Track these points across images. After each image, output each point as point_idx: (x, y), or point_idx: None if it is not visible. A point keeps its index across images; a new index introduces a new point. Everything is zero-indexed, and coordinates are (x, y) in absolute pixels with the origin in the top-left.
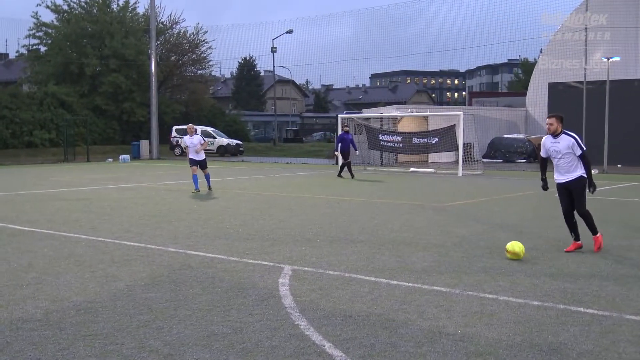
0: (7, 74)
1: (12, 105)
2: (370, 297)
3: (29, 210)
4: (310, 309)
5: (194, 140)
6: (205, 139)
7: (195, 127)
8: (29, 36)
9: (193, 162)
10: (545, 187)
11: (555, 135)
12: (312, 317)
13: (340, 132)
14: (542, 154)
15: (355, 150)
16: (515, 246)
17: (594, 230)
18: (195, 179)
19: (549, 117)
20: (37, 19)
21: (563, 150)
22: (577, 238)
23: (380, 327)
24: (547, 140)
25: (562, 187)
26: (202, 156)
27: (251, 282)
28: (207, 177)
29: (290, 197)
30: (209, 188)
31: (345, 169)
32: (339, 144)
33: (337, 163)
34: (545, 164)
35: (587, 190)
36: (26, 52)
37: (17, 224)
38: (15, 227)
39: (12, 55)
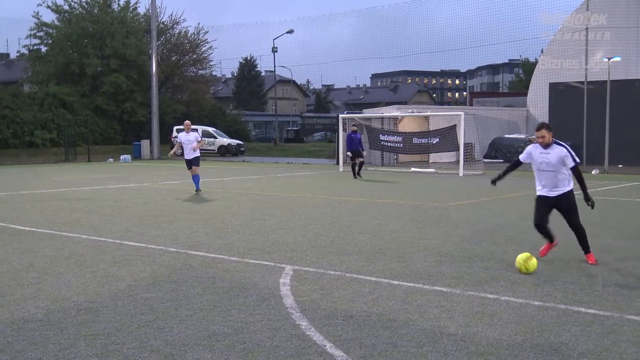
0: (8, 74)
1: (13, 105)
2: (371, 297)
3: (30, 210)
4: (311, 309)
5: (189, 137)
6: (203, 138)
7: (196, 126)
8: (30, 36)
9: (188, 164)
10: (495, 181)
11: (546, 145)
12: (313, 317)
13: (342, 131)
14: (523, 159)
15: (362, 150)
16: (529, 265)
17: (586, 248)
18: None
19: (538, 128)
20: (38, 19)
21: (554, 162)
22: (551, 239)
23: (381, 327)
24: (535, 150)
25: (548, 201)
26: (195, 154)
27: (252, 282)
28: (196, 178)
29: (291, 197)
30: (196, 190)
31: (350, 166)
32: (348, 144)
33: (344, 162)
34: (515, 168)
35: (587, 205)
36: (27, 52)
37: (18, 223)
38: (16, 227)
39: (13, 55)
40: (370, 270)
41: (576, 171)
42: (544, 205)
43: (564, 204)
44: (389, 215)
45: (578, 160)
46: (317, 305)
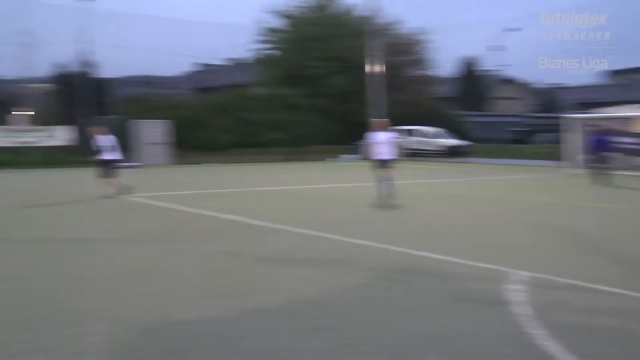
0: (238, 77)
1: (246, 107)
2: (608, 308)
3: (271, 204)
4: (544, 317)
5: (384, 137)
6: (433, 138)
7: (418, 127)
8: (260, 41)
9: (380, 164)
10: None
11: None
12: (546, 326)
13: (574, 133)
14: None
15: (610, 153)
16: None
17: None
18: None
19: None
20: (268, 25)
21: None
22: None
23: (625, 343)
24: None
25: None
26: (391, 155)
27: (479, 285)
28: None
29: (524, 201)
30: (390, 193)
31: (595, 170)
32: (595, 146)
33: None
34: None
35: None
36: (256, 56)
37: (254, 218)
38: (252, 222)
39: (242, 59)
40: (612, 281)
41: None
42: None
43: None
44: (637, 225)
45: None
46: (551, 314)
